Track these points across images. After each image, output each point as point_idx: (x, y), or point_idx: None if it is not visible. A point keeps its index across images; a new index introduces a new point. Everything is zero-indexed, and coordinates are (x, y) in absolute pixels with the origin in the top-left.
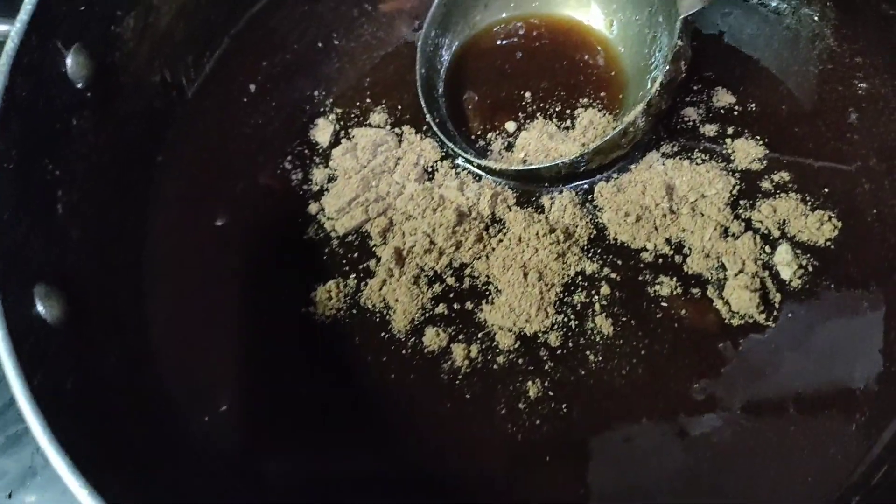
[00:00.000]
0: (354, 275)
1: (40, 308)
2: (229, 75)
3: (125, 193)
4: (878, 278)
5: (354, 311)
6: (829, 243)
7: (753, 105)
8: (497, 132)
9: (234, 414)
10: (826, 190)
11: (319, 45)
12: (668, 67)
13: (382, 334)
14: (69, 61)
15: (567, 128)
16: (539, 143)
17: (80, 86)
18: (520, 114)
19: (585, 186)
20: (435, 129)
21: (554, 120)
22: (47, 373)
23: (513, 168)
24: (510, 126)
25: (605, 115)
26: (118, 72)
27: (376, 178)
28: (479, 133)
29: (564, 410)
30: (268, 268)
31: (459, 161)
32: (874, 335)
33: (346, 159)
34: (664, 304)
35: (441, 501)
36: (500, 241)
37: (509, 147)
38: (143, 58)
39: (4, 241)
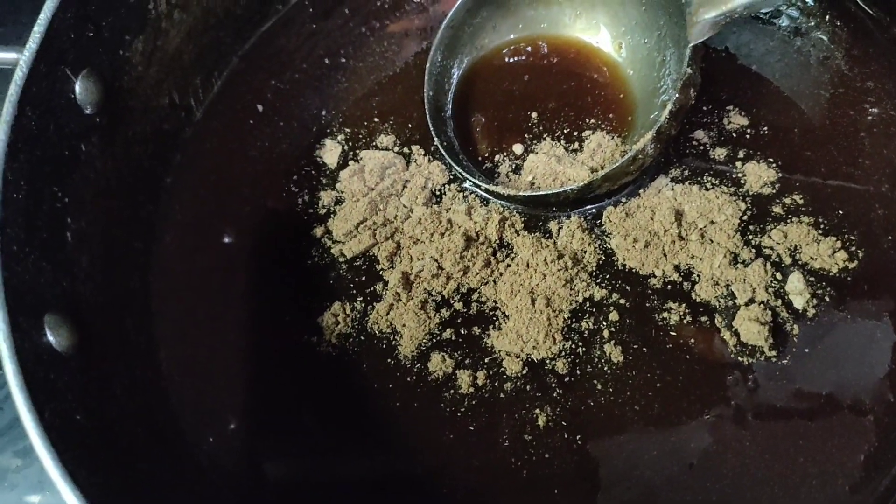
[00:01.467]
0: (361, 298)
1: (50, 338)
2: (237, 95)
3: (132, 216)
4: (892, 307)
5: (361, 337)
6: (842, 271)
7: (766, 128)
8: (505, 154)
9: (239, 435)
10: (839, 215)
11: (327, 63)
12: (677, 95)
13: (388, 360)
14: (78, 87)
15: (575, 150)
16: (547, 167)
17: (88, 111)
18: (527, 135)
19: (594, 211)
20: (442, 152)
21: (562, 142)
22: (58, 405)
23: (521, 194)
24: (518, 148)
25: (613, 137)
26: (127, 96)
27: (384, 201)
28: (486, 155)
29: (574, 440)
30: (274, 291)
31: (467, 185)
32: (885, 366)
33: (353, 182)
34: (673, 333)
35: None
36: (508, 266)
37: (517, 170)
38: (151, 80)
39: (14, 272)
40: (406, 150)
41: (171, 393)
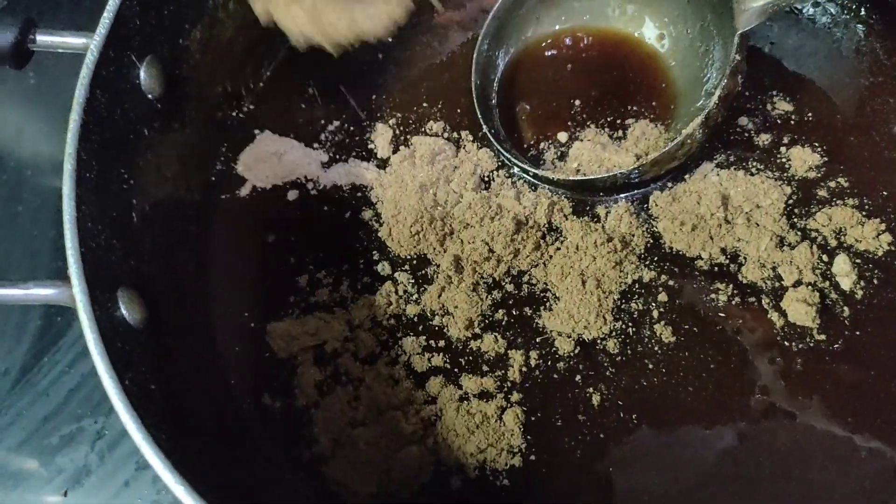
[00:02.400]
0: (413, 281)
1: (124, 311)
2: (286, 85)
3: (188, 202)
4: None
5: (414, 318)
6: (889, 254)
7: (810, 114)
8: (550, 142)
9: (297, 416)
10: (883, 197)
11: (375, 52)
12: (725, 81)
13: (441, 341)
14: (142, 73)
15: (619, 138)
16: (592, 154)
17: (151, 97)
18: (571, 123)
19: (640, 196)
20: (491, 139)
21: (606, 130)
22: (135, 374)
23: (569, 178)
24: (562, 136)
25: (656, 126)
26: (184, 83)
27: (434, 186)
28: (532, 143)
29: (630, 419)
30: (324, 273)
31: (515, 170)
32: None
33: (404, 167)
34: (721, 314)
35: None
36: (558, 249)
37: (562, 157)
38: (206, 69)
39: (90, 247)
40: (455, 135)
41: (228, 372)
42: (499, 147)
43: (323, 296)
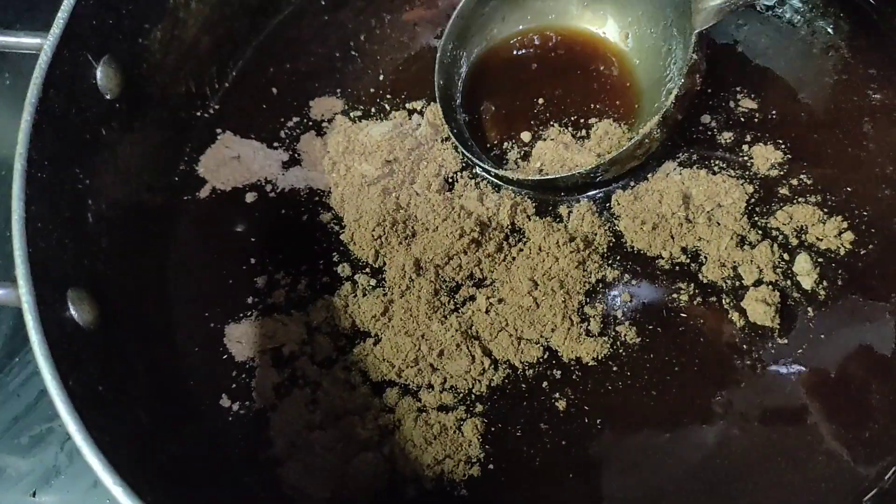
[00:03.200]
0: (374, 283)
1: (73, 311)
2: (252, 84)
3: (149, 202)
4: (895, 287)
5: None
6: (851, 253)
7: (774, 112)
8: (513, 142)
9: (254, 417)
10: (846, 195)
11: (341, 51)
12: (682, 80)
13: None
14: (99, 73)
15: (582, 138)
16: (555, 153)
17: (108, 97)
18: (534, 123)
19: (602, 195)
20: (453, 139)
21: (569, 129)
22: (81, 375)
23: (530, 178)
24: (526, 136)
25: (619, 125)
26: (145, 83)
27: (396, 188)
28: (495, 143)
29: (594, 425)
30: (282, 274)
31: (478, 170)
32: (889, 344)
33: (364, 167)
34: (683, 315)
35: None
36: (521, 250)
37: (525, 157)
38: (168, 69)
39: (38, 247)
40: (419, 134)
41: (187, 375)
42: (461, 147)
43: (280, 297)
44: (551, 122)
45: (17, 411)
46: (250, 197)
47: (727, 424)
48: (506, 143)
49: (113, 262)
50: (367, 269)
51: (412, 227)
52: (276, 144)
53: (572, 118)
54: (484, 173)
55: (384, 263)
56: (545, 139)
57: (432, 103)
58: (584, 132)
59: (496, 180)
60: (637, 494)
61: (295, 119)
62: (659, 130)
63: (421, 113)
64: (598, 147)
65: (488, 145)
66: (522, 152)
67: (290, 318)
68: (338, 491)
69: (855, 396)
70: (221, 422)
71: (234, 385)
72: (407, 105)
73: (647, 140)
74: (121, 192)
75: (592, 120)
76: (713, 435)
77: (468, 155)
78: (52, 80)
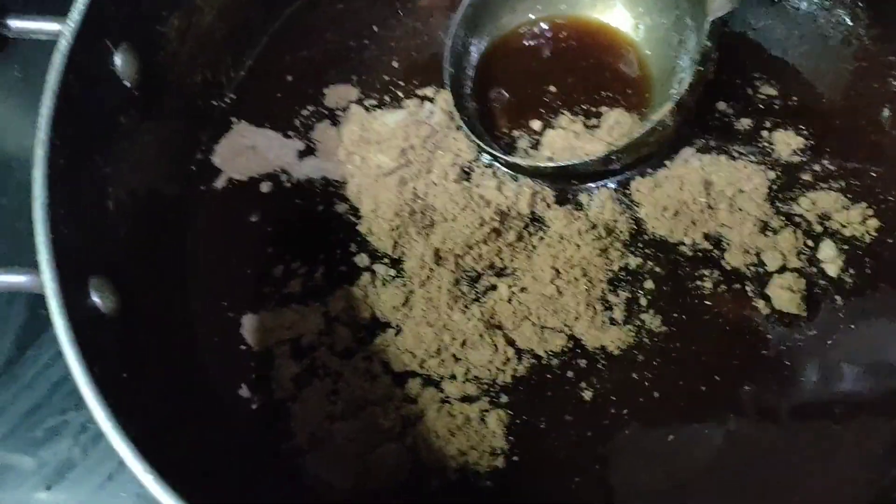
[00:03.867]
0: (394, 273)
1: (96, 299)
2: (268, 74)
3: (166, 191)
4: None
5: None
6: (875, 241)
7: (794, 98)
8: (523, 130)
9: (274, 409)
10: (870, 181)
11: (355, 39)
12: (697, 68)
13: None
14: (118, 60)
15: (593, 126)
16: (565, 142)
17: (127, 84)
18: (544, 110)
19: (622, 183)
20: (463, 127)
21: (580, 118)
22: (105, 363)
23: (541, 165)
24: (536, 125)
25: (631, 114)
26: (162, 71)
27: (413, 178)
28: (505, 131)
29: (621, 415)
30: (299, 263)
31: (486, 158)
32: None
33: (380, 157)
34: (708, 302)
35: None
36: (542, 238)
37: (535, 145)
38: (185, 57)
39: (61, 234)
40: (435, 122)
41: (206, 365)
42: (471, 135)
43: (297, 286)
44: (562, 111)
45: (30, 405)
46: (266, 187)
47: (754, 416)
48: (516, 132)
49: (132, 251)
50: (386, 260)
51: (431, 217)
52: (291, 134)
53: (583, 107)
54: (495, 161)
55: (403, 254)
56: (555, 128)
57: (443, 91)
58: (595, 121)
59: (507, 169)
60: (662, 487)
61: (310, 108)
62: (671, 118)
63: (432, 100)
64: (609, 136)
65: (498, 134)
66: (533, 141)
67: (308, 308)
68: (360, 481)
69: (883, 385)
70: (242, 413)
71: (253, 376)
72: (418, 92)
73: (659, 128)
74: (139, 180)
75: (603, 109)
76: (740, 427)
77: (478, 142)
78: (73, 66)
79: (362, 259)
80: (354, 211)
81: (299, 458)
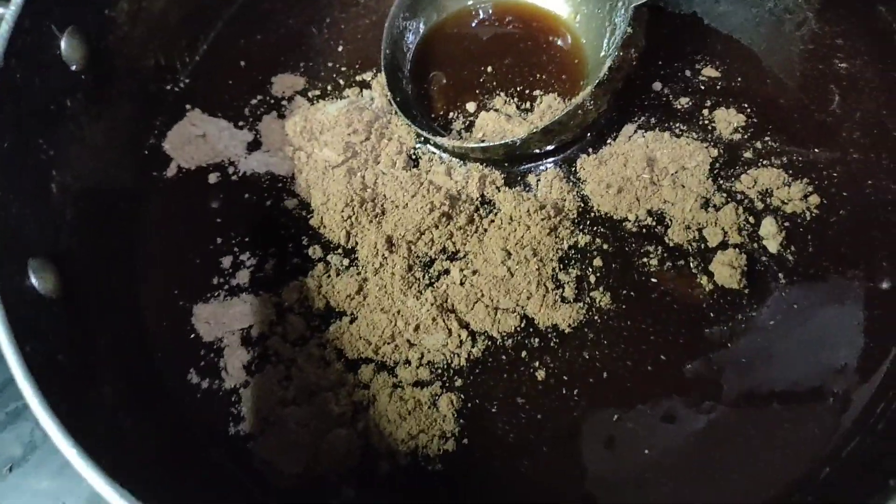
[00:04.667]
0: (348, 262)
1: (34, 280)
2: (222, 58)
3: (118, 177)
4: (865, 253)
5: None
6: (816, 218)
7: (739, 79)
8: (458, 112)
9: (224, 395)
10: (811, 159)
11: (315, 23)
12: (618, 53)
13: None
14: (63, 44)
15: (526, 110)
16: (497, 125)
17: (74, 68)
18: (479, 92)
19: (569, 161)
20: (395, 107)
21: (514, 100)
22: (39, 343)
23: (465, 145)
24: (471, 106)
25: (564, 100)
26: (112, 55)
27: (361, 168)
28: (441, 114)
29: (572, 395)
30: (248, 255)
31: (411, 132)
32: (858, 311)
33: (326, 153)
34: (654, 279)
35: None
36: (492, 221)
37: (469, 127)
38: (137, 42)
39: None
40: (381, 111)
41: (154, 351)
42: (403, 117)
43: (245, 278)
44: (498, 92)
45: None
46: (213, 178)
47: (696, 394)
48: (452, 114)
49: (79, 235)
50: (340, 250)
51: (381, 206)
52: (241, 124)
53: (518, 89)
54: (426, 143)
55: (356, 244)
56: (489, 110)
57: (380, 74)
58: (528, 104)
59: (437, 150)
60: (609, 467)
61: (258, 97)
62: (592, 101)
63: (369, 86)
64: (540, 121)
65: (434, 116)
66: (467, 123)
67: (258, 298)
68: (310, 466)
69: (821, 362)
70: (189, 398)
71: (202, 363)
72: (357, 77)
73: (580, 111)
74: (88, 165)
75: (538, 93)
76: (683, 407)
77: (408, 122)
78: (14, 49)
79: (315, 251)
80: (305, 206)
81: (249, 442)
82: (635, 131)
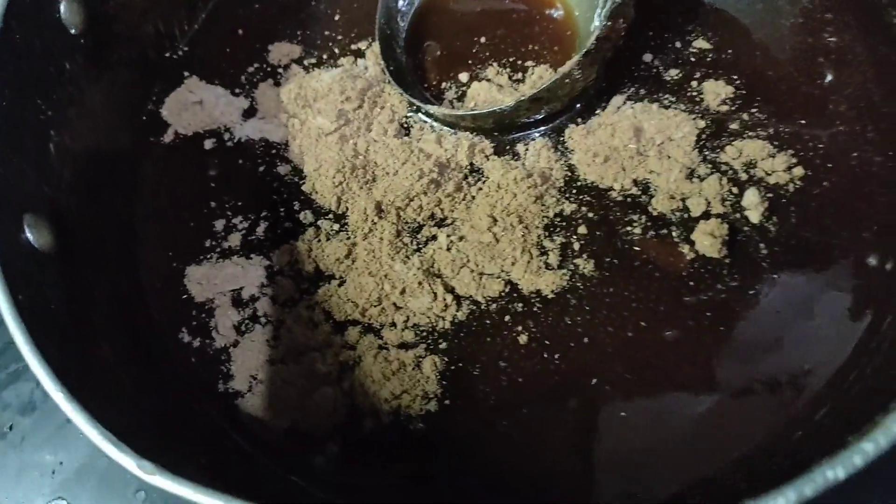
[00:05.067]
0: (338, 227)
1: (28, 234)
2: (221, 26)
3: (116, 140)
4: (848, 225)
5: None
6: (800, 190)
7: (730, 51)
8: (451, 82)
9: (215, 354)
10: (797, 130)
11: None
12: (607, 24)
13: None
14: (63, 7)
15: (518, 80)
16: (488, 94)
17: (73, 32)
18: (472, 62)
19: (557, 131)
20: (389, 77)
21: (507, 70)
22: (33, 293)
23: (456, 113)
24: (463, 76)
25: (555, 71)
26: (111, 20)
27: (354, 136)
28: (434, 83)
29: (552, 359)
30: (240, 219)
31: (410, 112)
32: (839, 282)
33: (320, 120)
34: (637, 248)
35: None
36: (480, 189)
37: (461, 97)
38: (136, 8)
39: None
40: (375, 78)
41: (149, 309)
42: (396, 86)
43: (236, 241)
44: (490, 62)
45: None
46: (209, 143)
47: (678, 360)
48: (444, 84)
49: (77, 194)
50: (331, 216)
51: (372, 173)
52: (237, 91)
53: (510, 59)
54: (418, 112)
55: (347, 209)
56: (481, 80)
57: (374, 43)
58: (520, 75)
59: (427, 118)
60: (589, 427)
61: (255, 65)
62: (581, 71)
63: (364, 55)
64: (531, 92)
65: (428, 86)
66: (459, 93)
67: (250, 261)
68: (297, 423)
69: (801, 328)
70: (181, 355)
71: (194, 322)
72: (352, 46)
73: (567, 80)
74: (86, 127)
75: (529, 63)
76: (666, 371)
77: (400, 90)
78: (14, 11)
79: (307, 216)
80: (297, 172)
81: (237, 398)
82: (624, 102)
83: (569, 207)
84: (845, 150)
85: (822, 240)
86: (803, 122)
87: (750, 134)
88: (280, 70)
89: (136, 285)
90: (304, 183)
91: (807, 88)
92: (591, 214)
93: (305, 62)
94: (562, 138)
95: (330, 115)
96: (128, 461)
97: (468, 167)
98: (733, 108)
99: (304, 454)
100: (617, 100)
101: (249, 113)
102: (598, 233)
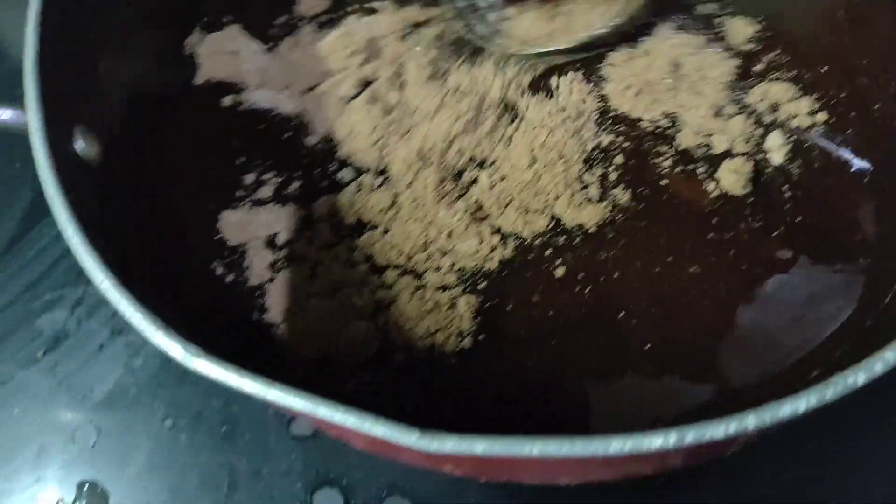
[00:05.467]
0: (381, 182)
1: (79, 144)
2: None
3: (161, 62)
4: (878, 168)
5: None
6: (824, 135)
7: None
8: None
9: (249, 290)
10: (820, 76)
11: None
12: None
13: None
14: None
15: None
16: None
17: None
18: None
19: (594, 61)
20: None
21: None
22: (79, 195)
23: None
24: None
25: None
26: None
27: (384, 93)
28: None
29: (583, 293)
30: (275, 175)
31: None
32: (865, 222)
33: (351, 61)
34: (666, 181)
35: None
36: (517, 128)
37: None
38: None
39: (49, 81)
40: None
41: (184, 242)
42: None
43: (269, 192)
44: None
45: (30, 279)
46: (228, 100)
47: (700, 294)
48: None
49: (118, 121)
50: (370, 172)
51: (410, 122)
52: (270, 45)
53: None
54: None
55: (388, 165)
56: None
57: None
58: None
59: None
60: (608, 359)
61: (284, 17)
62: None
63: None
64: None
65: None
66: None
67: (285, 208)
68: (328, 354)
69: (820, 268)
70: (215, 287)
71: (227, 260)
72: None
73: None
74: (133, 48)
75: None
76: (690, 305)
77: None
78: None
79: (346, 173)
80: (327, 140)
81: (271, 328)
82: (662, 34)
83: (606, 139)
84: (868, 101)
85: (844, 184)
86: (825, 69)
87: (774, 76)
88: (304, 21)
89: (170, 215)
90: (339, 149)
91: (829, 37)
92: (626, 144)
93: (323, 18)
94: (597, 67)
95: (347, 82)
96: (175, 347)
97: (503, 104)
98: (759, 48)
99: (335, 380)
100: (657, 31)
101: (273, 74)
102: (632, 161)
